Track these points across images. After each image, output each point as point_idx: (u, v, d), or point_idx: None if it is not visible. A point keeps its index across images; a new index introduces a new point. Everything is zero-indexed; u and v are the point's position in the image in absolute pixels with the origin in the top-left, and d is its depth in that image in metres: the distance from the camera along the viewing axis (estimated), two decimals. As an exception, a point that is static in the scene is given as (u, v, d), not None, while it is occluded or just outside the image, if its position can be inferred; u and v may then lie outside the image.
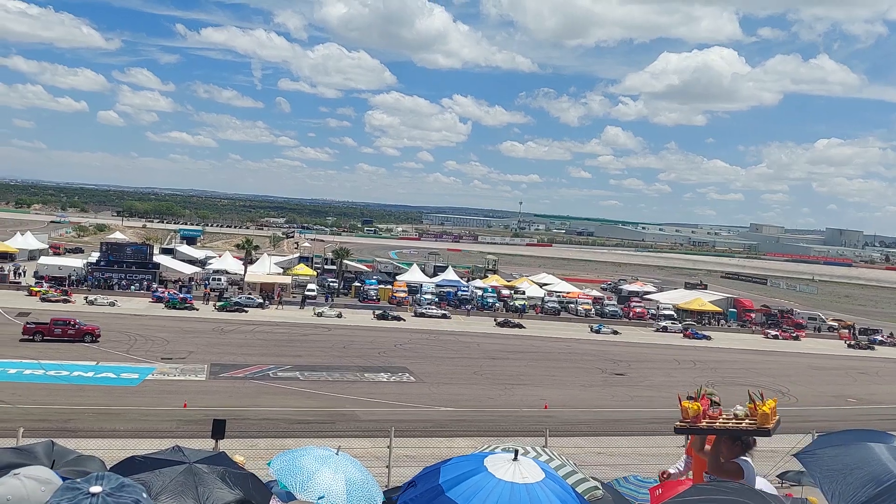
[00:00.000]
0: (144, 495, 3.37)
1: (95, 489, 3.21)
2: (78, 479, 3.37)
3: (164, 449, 5.92)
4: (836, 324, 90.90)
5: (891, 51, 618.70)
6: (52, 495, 3.25)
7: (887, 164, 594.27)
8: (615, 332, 74.16)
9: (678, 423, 5.28)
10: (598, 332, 73.97)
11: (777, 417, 5.14)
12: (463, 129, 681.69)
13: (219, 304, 70.24)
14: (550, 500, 3.84)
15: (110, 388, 38.24)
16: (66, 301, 65.11)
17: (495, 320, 75.04)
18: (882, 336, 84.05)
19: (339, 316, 69.92)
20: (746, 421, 5.11)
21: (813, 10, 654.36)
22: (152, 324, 57.46)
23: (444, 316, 75.02)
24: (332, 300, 79.69)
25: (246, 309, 69.22)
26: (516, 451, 4.34)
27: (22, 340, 47.46)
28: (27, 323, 49.61)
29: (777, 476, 19.44)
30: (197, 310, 67.42)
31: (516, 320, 75.18)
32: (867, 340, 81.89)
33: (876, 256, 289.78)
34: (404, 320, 71.91)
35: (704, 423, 5.16)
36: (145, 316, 61.64)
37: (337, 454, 5.22)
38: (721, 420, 5.17)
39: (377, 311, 74.59)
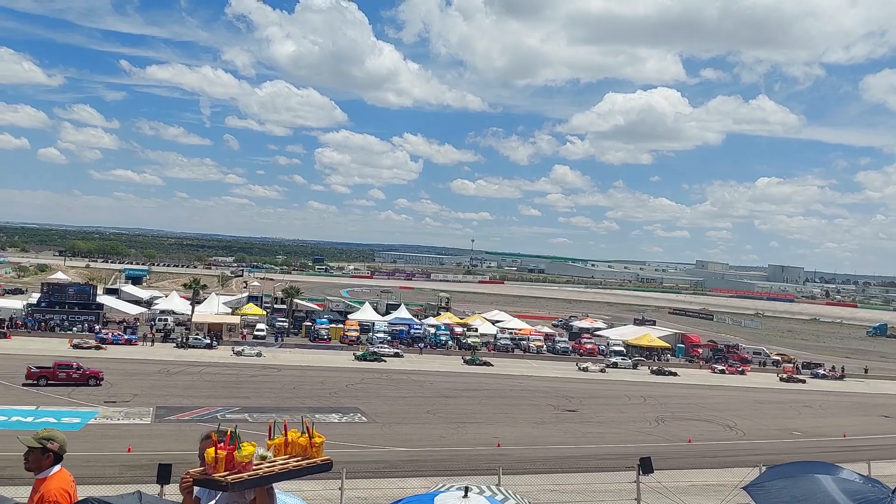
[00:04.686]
0: None
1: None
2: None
3: (127, 493, 5.90)
4: (779, 358, 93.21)
5: (828, 92, 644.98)
6: None
7: (825, 203, 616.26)
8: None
9: (197, 473, 3.92)
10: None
11: (321, 440, 4.26)
12: (414, 167, 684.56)
13: (358, 354, 71.65)
14: (499, 534, 3.88)
15: (49, 433, 36.77)
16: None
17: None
18: (825, 370, 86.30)
19: (259, 355, 68.14)
20: (293, 460, 4.11)
21: (754, 52, 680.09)
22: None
23: (396, 354, 74.50)
24: (282, 340, 78.56)
25: (384, 359, 71.13)
26: (466, 489, 4.36)
27: (25, 385, 47.02)
28: (31, 367, 48.77)
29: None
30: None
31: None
32: (811, 374, 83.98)
33: (816, 292, 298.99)
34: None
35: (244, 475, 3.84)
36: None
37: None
38: (261, 466, 3.96)
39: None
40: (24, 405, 41.85)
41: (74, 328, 73.39)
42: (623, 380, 70.99)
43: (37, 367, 48.96)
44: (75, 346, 63.61)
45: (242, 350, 68.45)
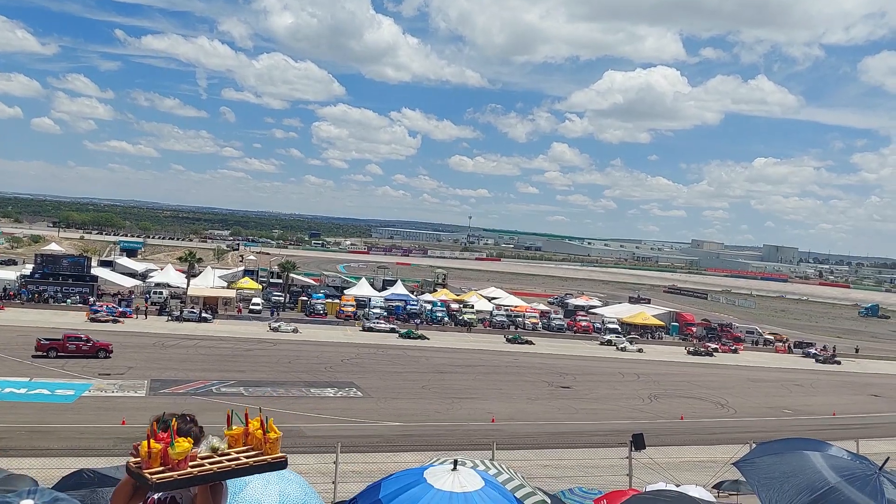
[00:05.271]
0: None
1: (27, 503, 3.13)
2: (8, 494, 3.28)
3: (121, 465, 5.87)
4: (772, 337, 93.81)
5: (826, 73, 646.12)
6: None
7: (821, 184, 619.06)
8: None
9: (132, 464, 3.47)
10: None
11: (277, 435, 3.79)
12: (412, 143, 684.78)
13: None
14: (488, 507, 3.89)
15: (44, 405, 36.88)
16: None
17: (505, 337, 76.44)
18: (815, 349, 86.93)
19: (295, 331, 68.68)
20: (244, 454, 3.70)
21: (754, 32, 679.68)
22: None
23: (392, 330, 74.63)
24: (278, 314, 78.58)
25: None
26: (455, 461, 4.37)
27: (35, 356, 47.16)
28: (41, 339, 48.90)
29: (714, 486, 19.82)
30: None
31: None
32: (802, 353, 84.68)
33: (810, 272, 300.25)
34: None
35: (175, 474, 3.39)
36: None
37: None
38: (204, 461, 3.57)
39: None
40: (18, 377, 41.89)
41: (68, 300, 73.27)
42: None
43: (46, 339, 49.10)
44: (92, 320, 63.80)
45: (279, 326, 68.87)
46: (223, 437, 3.67)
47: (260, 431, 3.73)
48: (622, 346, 76.85)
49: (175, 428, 3.52)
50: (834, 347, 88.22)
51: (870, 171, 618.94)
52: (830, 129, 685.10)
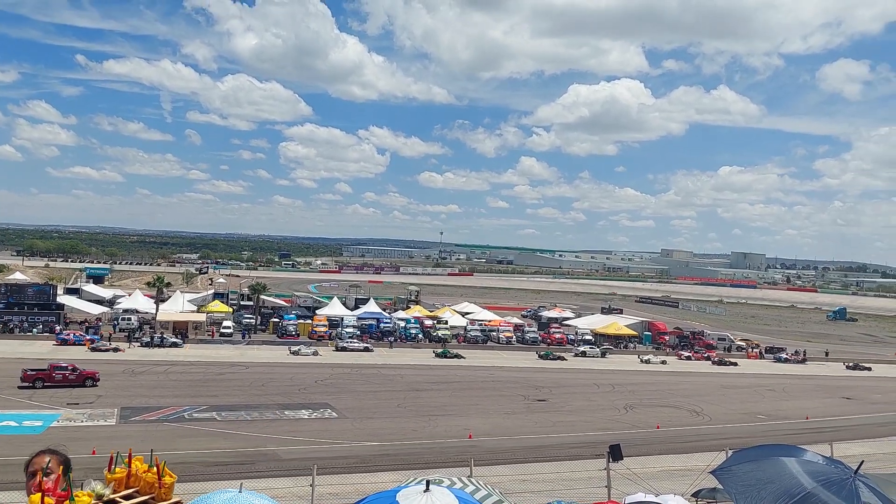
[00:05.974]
0: None
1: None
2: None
3: None
4: (744, 343, 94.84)
5: (786, 82, 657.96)
6: None
7: (785, 190, 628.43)
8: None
9: None
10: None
11: (172, 479, 3.45)
12: (381, 161, 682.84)
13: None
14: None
15: (11, 437, 35.89)
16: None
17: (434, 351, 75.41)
18: (787, 354, 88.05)
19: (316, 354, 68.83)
20: (133, 501, 3.37)
21: (715, 43, 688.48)
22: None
23: (366, 349, 74.16)
24: (249, 337, 77.69)
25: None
26: (427, 482, 4.31)
27: (21, 387, 46.46)
28: (27, 370, 47.98)
29: (692, 495, 19.82)
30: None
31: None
32: (773, 358, 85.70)
33: (778, 278, 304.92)
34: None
35: None
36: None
37: (240, 493, 4.99)
38: None
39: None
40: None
41: (34, 329, 71.76)
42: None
43: (32, 370, 48.16)
44: (93, 349, 63.03)
45: (299, 349, 68.60)
46: (106, 481, 3.41)
47: (151, 475, 3.46)
48: (646, 358, 78.40)
49: (71, 479, 3.20)
50: (804, 351, 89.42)
51: (832, 177, 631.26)
52: (792, 136, 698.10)
